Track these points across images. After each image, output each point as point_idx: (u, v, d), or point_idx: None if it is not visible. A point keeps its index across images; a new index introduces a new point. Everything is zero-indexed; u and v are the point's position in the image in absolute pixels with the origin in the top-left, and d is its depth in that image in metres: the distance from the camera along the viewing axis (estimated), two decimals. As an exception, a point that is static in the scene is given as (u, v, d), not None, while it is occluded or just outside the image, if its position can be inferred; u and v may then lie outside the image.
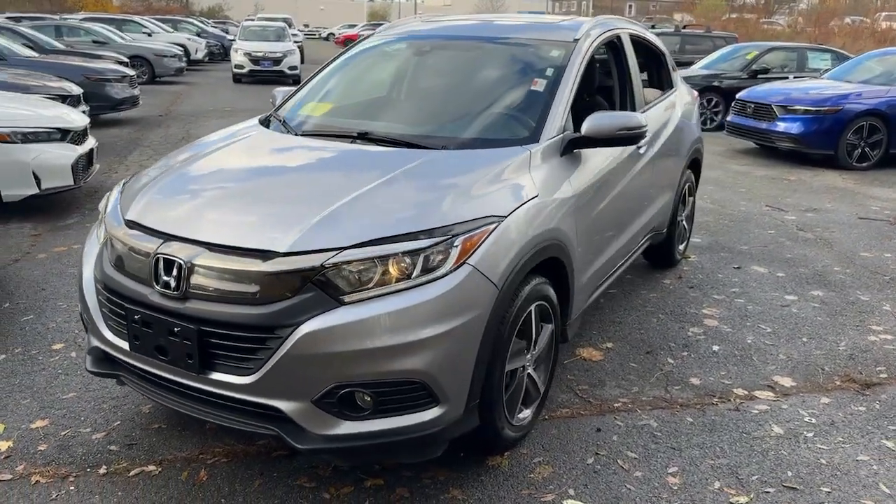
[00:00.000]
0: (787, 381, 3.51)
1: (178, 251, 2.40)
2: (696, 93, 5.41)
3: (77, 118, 6.49)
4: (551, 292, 2.93)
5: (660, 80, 4.93)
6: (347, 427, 2.33)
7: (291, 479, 2.66)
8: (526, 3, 67.34)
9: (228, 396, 2.38)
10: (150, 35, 23.84)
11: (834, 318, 4.32)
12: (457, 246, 2.39)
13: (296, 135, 3.31)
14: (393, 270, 2.30)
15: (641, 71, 4.45)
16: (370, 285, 2.29)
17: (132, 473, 2.68)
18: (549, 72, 3.41)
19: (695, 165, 5.16)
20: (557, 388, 3.39)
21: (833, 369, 3.65)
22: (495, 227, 2.51)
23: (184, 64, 19.94)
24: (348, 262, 2.28)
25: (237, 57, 19.78)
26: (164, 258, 2.40)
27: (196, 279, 2.36)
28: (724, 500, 2.59)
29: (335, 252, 2.28)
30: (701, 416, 3.17)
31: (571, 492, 2.63)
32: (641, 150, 3.89)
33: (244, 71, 19.64)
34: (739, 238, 5.95)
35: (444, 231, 2.39)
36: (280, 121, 3.52)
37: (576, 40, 3.60)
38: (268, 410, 2.34)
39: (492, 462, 2.79)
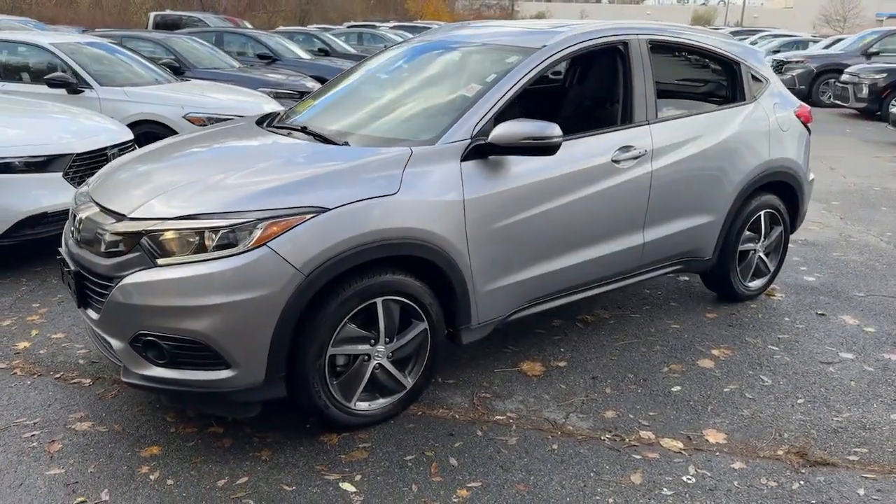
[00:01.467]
0: (715, 437, 3.08)
1: (84, 210, 3.05)
2: (801, 109, 4.68)
3: (269, 106, 7.72)
4: (418, 290, 3.02)
5: (724, 91, 4.45)
6: (155, 371, 2.78)
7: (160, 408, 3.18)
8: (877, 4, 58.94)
9: (93, 329, 2.98)
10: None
11: (873, 386, 3.56)
12: (259, 228, 2.67)
13: (264, 128, 3.79)
14: (201, 242, 2.68)
15: (687, 80, 4.11)
16: (177, 253, 2.70)
17: (72, 381, 3.43)
18: (490, 77, 3.43)
19: (779, 192, 4.52)
20: (458, 389, 3.42)
21: (793, 437, 3.09)
22: (311, 217, 2.74)
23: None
24: (163, 231, 2.71)
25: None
26: (76, 214, 3.08)
27: (83, 233, 2.99)
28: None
29: (157, 221, 2.74)
30: (567, 448, 2.98)
31: (358, 478, 2.75)
32: (620, 164, 3.63)
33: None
34: (864, 283, 5.00)
35: (246, 214, 2.69)
36: (275, 116, 4.04)
37: (543, 47, 3.53)
38: (109, 345, 2.89)
39: (324, 437, 3.01)
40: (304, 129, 3.54)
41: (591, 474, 2.80)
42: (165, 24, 20.03)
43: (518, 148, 3.14)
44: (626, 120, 3.80)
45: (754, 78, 4.45)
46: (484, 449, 2.96)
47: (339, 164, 3.02)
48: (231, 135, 3.81)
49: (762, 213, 4.47)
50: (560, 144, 3.18)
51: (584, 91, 4.78)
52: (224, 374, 2.74)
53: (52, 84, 6.97)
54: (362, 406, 3.05)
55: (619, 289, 4.00)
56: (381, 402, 3.11)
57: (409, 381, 3.16)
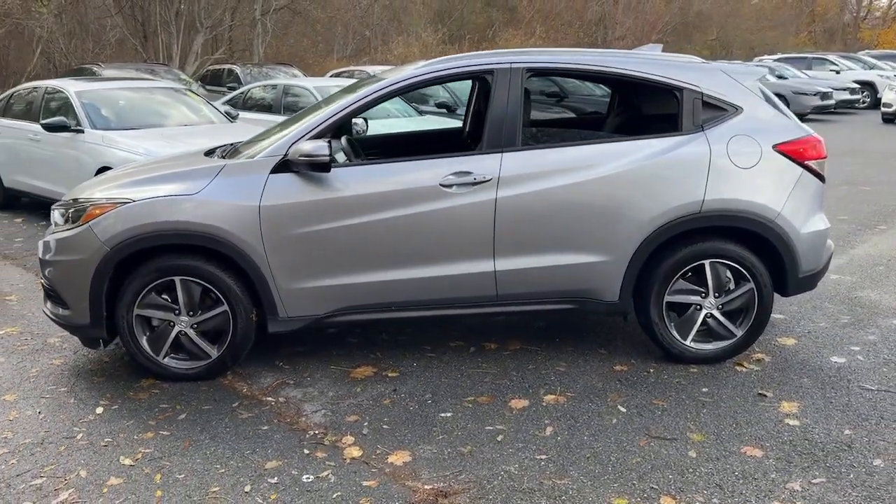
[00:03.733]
0: (402, 458, 3.04)
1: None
2: (791, 144, 3.73)
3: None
4: (214, 276, 3.69)
5: (650, 119, 3.94)
6: (46, 305, 4.01)
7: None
8: None
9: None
10: (837, 72, 23.28)
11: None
12: (87, 211, 3.72)
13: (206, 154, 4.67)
14: (68, 218, 3.84)
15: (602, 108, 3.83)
16: (64, 224, 3.88)
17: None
18: (325, 102, 3.87)
19: (745, 241, 3.78)
20: (271, 371, 3.91)
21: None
22: (121, 206, 3.67)
23: (829, 102, 19.11)
24: (65, 207, 3.92)
25: (889, 95, 17.78)
26: None
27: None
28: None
29: (68, 203, 3.96)
30: (265, 427, 3.30)
31: (100, 410, 3.55)
32: (451, 189, 3.66)
33: (892, 110, 17.55)
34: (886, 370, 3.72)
35: (87, 202, 3.76)
36: None
37: (383, 80, 3.84)
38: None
39: (142, 382, 3.86)
40: (224, 153, 4.35)
41: (260, 448, 3.13)
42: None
43: (302, 163, 3.57)
44: (477, 146, 3.78)
45: (709, 105, 3.81)
46: (213, 418, 3.47)
47: (182, 171, 3.88)
48: (180, 157, 4.77)
49: (707, 262, 3.80)
50: (327, 163, 3.52)
51: (461, 118, 4.71)
52: (65, 312, 3.83)
53: None
54: (168, 361, 3.81)
55: (504, 316, 3.91)
56: (185, 365, 3.82)
57: (214, 353, 3.81)
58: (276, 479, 2.94)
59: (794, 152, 3.79)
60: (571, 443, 3.16)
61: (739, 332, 3.91)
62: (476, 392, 3.66)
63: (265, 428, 3.35)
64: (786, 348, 4.15)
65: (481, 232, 3.72)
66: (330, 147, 3.55)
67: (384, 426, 3.34)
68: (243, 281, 3.73)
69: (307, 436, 3.27)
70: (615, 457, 3.05)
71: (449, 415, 3.43)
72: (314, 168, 3.57)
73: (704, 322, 3.91)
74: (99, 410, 3.55)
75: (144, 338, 3.80)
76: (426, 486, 2.86)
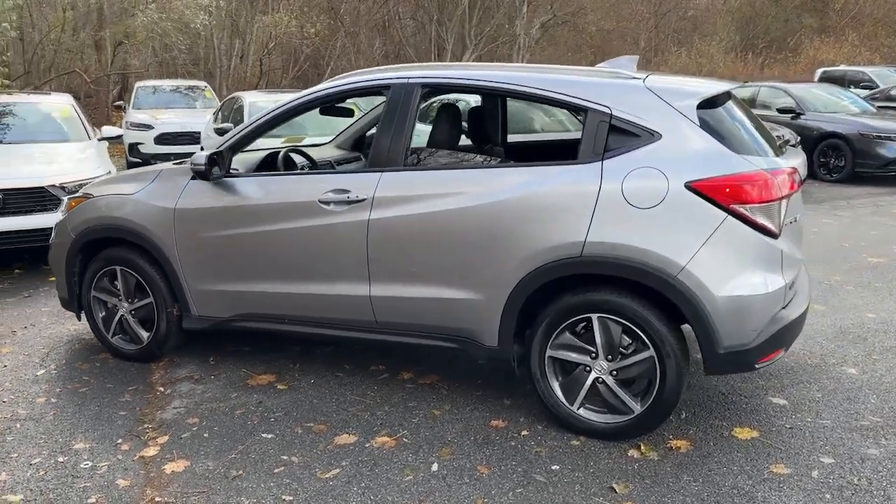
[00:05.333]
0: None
1: None
2: (711, 181, 2.86)
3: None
4: (143, 269, 4.10)
5: (562, 144, 3.31)
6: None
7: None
8: None
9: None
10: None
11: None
12: (68, 203, 4.38)
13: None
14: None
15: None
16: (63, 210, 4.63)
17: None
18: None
19: (648, 296, 3.07)
20: (195, 358, 4.17)
21: None
22: (83, 201, 4.26)
23: None
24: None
25: None
26: None
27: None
28: None
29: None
30: (120, 414, 3.57)
31: (41, 372, 4.13)
32: (329, 207, 3.55)
33: None
34: None
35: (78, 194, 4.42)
36: None
37: (298, 95, 3.86)
38: None
39: (100, 355, 4.40)
40: None
41: (97, 431, 3.43)
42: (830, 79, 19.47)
43: (194, 172, 3.78)
44: (371, 162, 3.61)
45: (618, 130, 3.15)
46: (106, 397, 3.84)
47: (140, 173, 4.34)
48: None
49: (595, 317, 3.16)
50: (203, 172, 3.67)
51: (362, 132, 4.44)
52: (55, 286, 4.54)
53: None
54: (116, 340, 4.29)
55: (391, 345, 3.71)
56: (129, 345, 4.27)
57: (145, 339, 4.20)
58: (71, 458, 3.19)
59: (714, 191, 2.96)
60: (336, 488, 2.91)
61: (638, 409, 3.18)
62: (326, 420, 3.51)
63: (122, 413, 3.62)
64: (733, 440, 3.25)
65: (355, 253, 3.56)
66: (214, 159, 3.70)
67: (206, 434, 3.39)
68: (165, 277, 4.06)
69: (138, 428, 3.47)
70: (356, 515, 2.74)
71: (269, 436, 3.36)
72: (200, 176, 3.76)
73: (595, 388, 3.26)
74: (40, 372, 4.15)
75: (100, 316, 4.33)
76: (157, 499, 2.88)
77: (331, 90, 3.80)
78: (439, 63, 3.92)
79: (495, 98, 4.40)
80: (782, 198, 3.01)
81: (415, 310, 3.52)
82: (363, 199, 3.50)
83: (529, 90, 3.38)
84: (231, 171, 3.91)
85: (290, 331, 3.89)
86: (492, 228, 3.28)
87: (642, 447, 3.19)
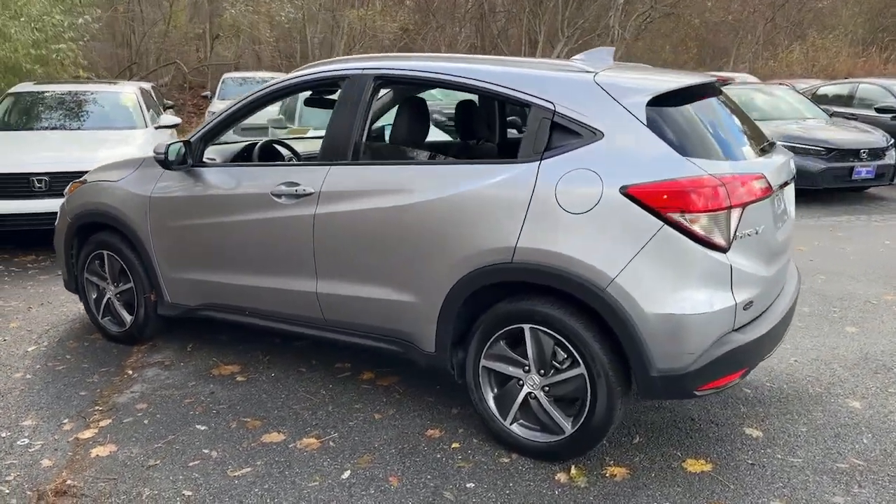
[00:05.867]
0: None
1: None
2: (647, 186, 2.57)
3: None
4: (125, 254, 4.20)
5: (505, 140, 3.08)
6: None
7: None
8: None
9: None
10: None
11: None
12: (70, 186, 4.56)
13: None
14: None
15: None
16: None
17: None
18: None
19: (583, 308, 2.83)
20: (175, 350, 4.24)
21: None
22: (80, 186, 4.42)
23: None
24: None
25: None
26: None
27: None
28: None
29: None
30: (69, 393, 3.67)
31: (31, 348, 4.32)
32: (281, 199, 3.49)
33: None
34: None
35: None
36: None
37: (267, 85, 3.82)
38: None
39: (93, 335, 4.57)
40: None
41: (50, 408, 3.55)
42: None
43: (156, 160, 3.82)
44: (321, 155, 3.52)
45: (560, 128, 2.90)
46: (74, 375, 3.97)
47: (128, 160, 4.44)
48: None
49: (526, 328, 2.95)
50: (163, 161, 3.70)
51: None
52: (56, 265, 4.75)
53: None
54: (104, 321, 4.43)
55: (342, 344, 3.61)
56: (114, 326, 4.38)
57: (127, 322, 4.31)
58: (13, 434, 3.30)
59: (650, 198, 2.67)
60: (239, 487, 2.85)
61: (569, 429, 2.94)
62: (264, 416, 3.45)
63: (83, 394, 3.72)
64: (679, 473, 2.95)
65: (303, 248, 3.49)
66: (181, 149, 3.73)
67: (146, 420, 3.42)
68: (142, 263, 4.14)
69: (89, 410, 3.54)
70: (244, 517, 2.67)
71: (203, 428, 3.35)
72: (161, 165, 3.80)
73: (528, 404, 3.04)
74: (31, 348, 4.35)
75: (92, 298, 4.48)
76: (69, 482, 2.92)
77: (288, 83, 3.73)
78: (400, 55, 3.75)
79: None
80: (733, 206, 2.68)
81: (358, 309, 3.42)
82: (311, 194, 3.42)
83: (477, 84, 3.18)
84: (206, 161, 3.94)
85: (250, 323, 3.87)
86: (427, 229, 3.12)
87: (573, 471, 2.95)
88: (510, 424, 3.07)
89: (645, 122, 2.80)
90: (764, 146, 3.23)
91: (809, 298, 5.18)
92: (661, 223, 2.65)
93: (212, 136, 3.94)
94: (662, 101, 2.87)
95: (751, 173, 2.80)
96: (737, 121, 3.29)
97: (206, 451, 3.15)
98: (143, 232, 4.02)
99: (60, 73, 9.87)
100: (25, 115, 7.90)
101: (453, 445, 3.17)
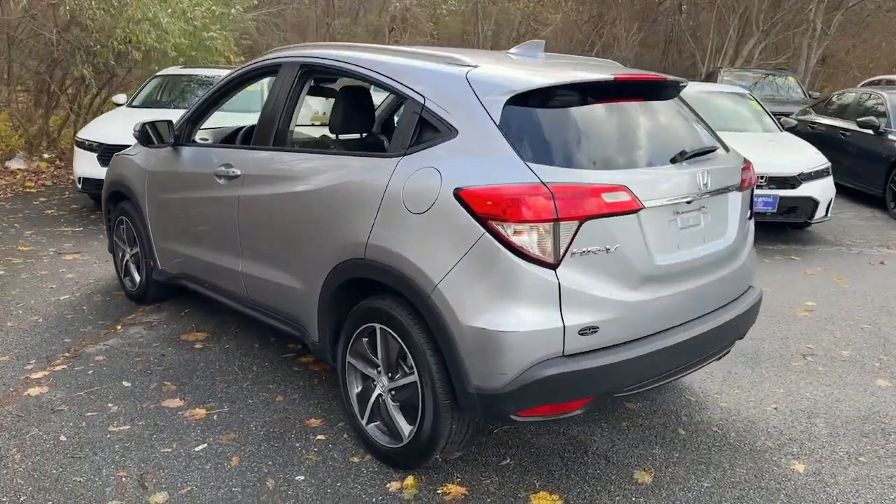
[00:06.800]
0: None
1: None
2: (478, 190, 2.33)
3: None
4: (136, 224, 4.66)
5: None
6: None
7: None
8: None
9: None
10: None
11: None
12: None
13: None
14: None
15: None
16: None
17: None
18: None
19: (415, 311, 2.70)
20: (170, 314, 4.62)
21: None
22: (118, 157, 4.94)
23: None
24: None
25: None
26: None
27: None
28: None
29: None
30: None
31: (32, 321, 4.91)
32: (220, 180, 3.67)
33: None
34: None
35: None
36: None
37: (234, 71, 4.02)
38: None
39: (119, 292, 5.09)
40: None
41: (24, 353, 4.06)
42: None
43: (135, 137, 4.18)
44: (253, 139, 3.66)
45: (426, 123, 2.76)
46: (61, 326, 4.46)
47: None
48: None
49: (378, 327, 2.87)
50: (139, 138, 4.03)
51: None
52: (106, 229, 5.35)
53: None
54: (125, 280, 4.93)
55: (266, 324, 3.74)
56: (130, 287, 4.88)
57: (137, 281, 4.77)
58: (-14, 368, 3.83)
59: (475, 202, 2.46)
60: (103, 441, 3.08)
61: (406, 437, 2.82)
62: (185, 382, 3.65)
63: (66, 341, 4.18)
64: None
65: (230, 227, 3.65)
66: (147, 130, 4.04)
67: (90, 371, 3.77)
68: (144, 230, 4.56)
69: (58, 355, 3.98)
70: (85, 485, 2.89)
71: (127, 385, 3.62)
72: (139, 141, 4.15)
73: (378, 405, 2.95)
74: (64, 297, 4.96)
75: (118, 259, 4.99)
76: (-12, 412, 3.34)
77: (242, 70, 3.90)
78: (329, 43, 3.72)
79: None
80: (562, 219, 2.40)
81: (269, 291, 3.52)
82: (238, 176, 3.57)
83: (370, 73, 3.11)
84: (194, 141, 4.24)
85: (209, 297, 4.11)
86: (310, 217, 3.14)
87: (408, 481, 2.82)
88: (367, 424, 3.00)
89: (497, 122, 2.59)
90: (682, 154, 2.82)
91: (859, 341, 4.42)
92: (482, 231, 2.45)
93: (195, 118, 4.20)
94: (526, 99, 2.63)
95: (601, 185, 2.48)
96: (655, 125, 2.91)
97: (110, 405, 3.42)
98: (143, 202, 4.42)
99: (216, 58, 10.96)
100: (167, 94, 8.88)
101: (318, 437, 3.16)
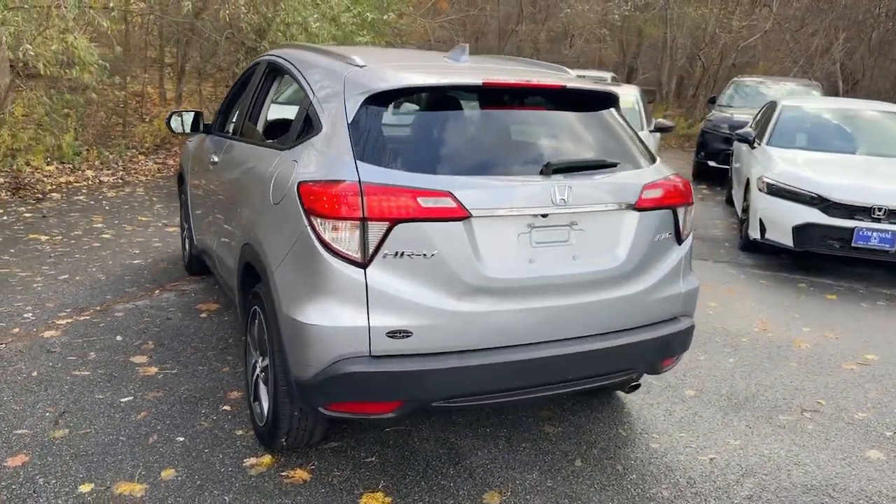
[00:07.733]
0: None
1: None
2: (317, 187, 2.36)
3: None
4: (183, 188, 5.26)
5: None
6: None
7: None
8: None
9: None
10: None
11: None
12: (187, 144, 5.79)
13: None
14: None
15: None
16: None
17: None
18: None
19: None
20: (169, 287, 5.14)
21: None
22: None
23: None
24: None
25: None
26: None
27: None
28: None
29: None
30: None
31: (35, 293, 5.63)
32: (210, 167, 4.06)
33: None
34: None
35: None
36: None
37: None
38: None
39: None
40: None
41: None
42: None
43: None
44: (233, 130, 3.99)
45: (308, 118, 2.88)
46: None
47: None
48: None
49: (257, 310, 3.04)
50: (167, 124, 4.51)
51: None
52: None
53: None
54: (185, 252, 5.56)
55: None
56: (185, 258, 5.48)
57: (187, 254, 5.35)
58: (11, 310, 4.52)
59: (304, 196, 2.54)
60: (67, 381, 3.56)
61: (264, 418, 2.96)
62: (163, 346, 4.07)
63: (109, 297, 4.83)
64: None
65: (220, 206, 4.00)
66: (192, 120, 4.51)
67: (102, 325, 4.33)
68: (189, 209, 5.12)
69: (83, 308, 4.60)
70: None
71: (119, 339, 4.12)
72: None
73: (256, 384, 3.12)
74: (137, 262, 5.68)
75: (185, 231, 5.63)
76: None
77: (248, 68, 4.24)
78: (297, 43, 3.90)
79: None
80: (370, 219, 2.40)
81: (222, 269, 3.87)
82: (216, 162, 3.93)
83: (292, 70, 3.32)
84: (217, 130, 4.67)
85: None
86: (233, 202, 3.43)
87: (265, 460, 2.97)
88: (253, 401, 3.18)
89: (349, 120, 2.65)
90: (547, 167, 2.64)
91: (892, 404, 3.77)
92: (306, 224, 2.53)
93: (225, 109, 4.62)
94: (382, 100, 2.65)
95: (419, 189, 2.43)
96: (531, 134, 2.78)
97: (91, 353, 3.93)
98: (187, 182, 4.97)
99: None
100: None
101: (225, 408, 3.40)
